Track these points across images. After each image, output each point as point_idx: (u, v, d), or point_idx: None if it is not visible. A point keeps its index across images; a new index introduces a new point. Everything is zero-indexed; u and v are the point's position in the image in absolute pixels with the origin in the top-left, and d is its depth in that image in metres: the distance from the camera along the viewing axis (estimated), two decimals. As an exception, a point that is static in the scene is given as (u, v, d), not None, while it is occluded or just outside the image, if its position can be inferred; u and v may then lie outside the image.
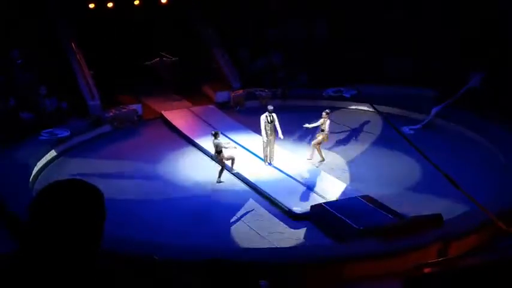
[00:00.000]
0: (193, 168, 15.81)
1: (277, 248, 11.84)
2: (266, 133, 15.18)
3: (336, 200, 13.17)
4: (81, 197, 2.31)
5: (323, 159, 15.67)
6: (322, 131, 15.52)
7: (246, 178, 14.80)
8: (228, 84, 21.28)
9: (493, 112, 17.40)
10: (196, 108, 20.24)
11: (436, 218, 11.74)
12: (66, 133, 17.31)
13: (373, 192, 13.57)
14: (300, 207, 13.11)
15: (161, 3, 21.77)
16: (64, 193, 2.30)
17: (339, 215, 12.17)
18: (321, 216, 12.62)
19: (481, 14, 19.53)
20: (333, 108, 20.18)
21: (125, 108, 19.34)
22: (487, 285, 6.21)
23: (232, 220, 12.96)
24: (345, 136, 17.95)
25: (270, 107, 15.55)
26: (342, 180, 14.49)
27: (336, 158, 16.18)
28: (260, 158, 15.72)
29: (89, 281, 2.23)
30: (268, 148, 15.36)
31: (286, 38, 22.41)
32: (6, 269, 2.24)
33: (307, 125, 15.78)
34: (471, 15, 19.69)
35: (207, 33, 22.11)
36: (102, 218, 2.34)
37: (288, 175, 14.88)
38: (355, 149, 16.77)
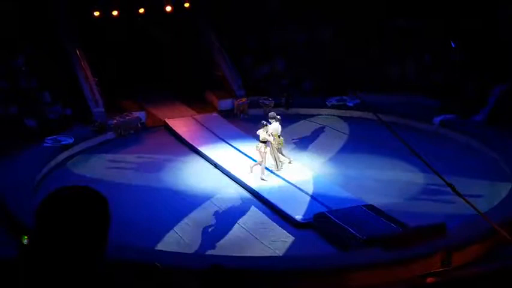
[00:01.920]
0: (196, 176, 15.80)
1: (279, 256, 11.80)
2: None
3: (339, 209, 13.13)
4: (85, 203, 2.31)
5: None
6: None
7: (248, 186, 14.79)
8: (231, 92, 21.29)
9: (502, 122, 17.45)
10: (199, 116, 20.25)
11: (440, 227, 11.70)
12: (70, 140, 17.31)
13: (376, 201, 13.54)
14: (303, 216, 13.09)
15: (166, 11, 21.83)
16: (68, 200, 2.30)
17: (342, 224, 12.14)
18: (324, 225, 12.59)
19: (484, 22, 19.58)
20: (336, 117, 20.35)
21: (129, 116, 19.36)
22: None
23: (234, 228, 12.93)
24: (348, 145, 17.93)
25: (275, 114, 15.66)
26: (345, 189, 14.46)
27: (338, 167, 16.16)
28: (264, 166, 15.73)
29: (92, 286, 2.23)
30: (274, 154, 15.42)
31: (289, 46, 22.46)
32: (11, 274, 2.24)
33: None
34: (474, 24, 19.74)
35: (210, 40, 22.16)
36: (107, 224, 2.34)
37: (290, 183, 14.86)
38: (358, 158, 16.73)
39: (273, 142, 15.20)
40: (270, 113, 16.00)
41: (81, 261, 2.24)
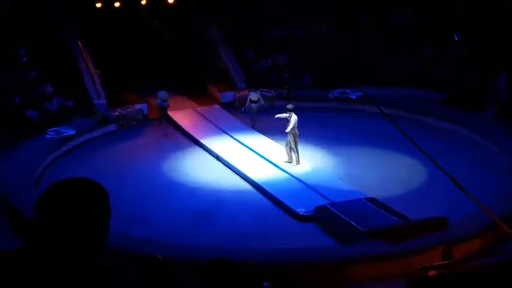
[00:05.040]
0: (198, 168, 15.82)
1: (281, 249, 11.82)
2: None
3: (341, 202, 13.13)
4: (86, 195, 2.30)
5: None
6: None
7: (250, 178, 14.80)
8: (233, 84, 21.28)
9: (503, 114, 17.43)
10: (201, 109, 20.26)
11: (441, 221, 11.70)
12: (72, 132, 17.33)
13: (378, 194, 13.54)
14: (305, 209, 13.10)
15: (168, 3, 21.79)
16: (69, 191, 2.30)
17: (343, 217, 12.15)
18: (326, 218, 12.60)
19: (484, 16, 19.53)
20: (338, 110, 20.33)
21: (131, 108, 19.38)
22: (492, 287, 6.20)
23: (236, 220, 12.95)
24: (350, 138, 17.91)
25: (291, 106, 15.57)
26: (346, 182, 14.46)
27: (340, 160, 16.16)
28: (266, 159, 15.75)
29: (93, 279, 2.24)
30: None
31: (291, 39, 22.41)
32: (12, 266, 2.24)
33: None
34: (475, 17, 19.70)
35: (213, 33, 22.12)
36: (107, 216, 2.34)
37: (292, 176, 14.86)
38: (360, 150, 16.73)
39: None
40: (288, 105, 15.89)
41: (83, 252, 2.24)
